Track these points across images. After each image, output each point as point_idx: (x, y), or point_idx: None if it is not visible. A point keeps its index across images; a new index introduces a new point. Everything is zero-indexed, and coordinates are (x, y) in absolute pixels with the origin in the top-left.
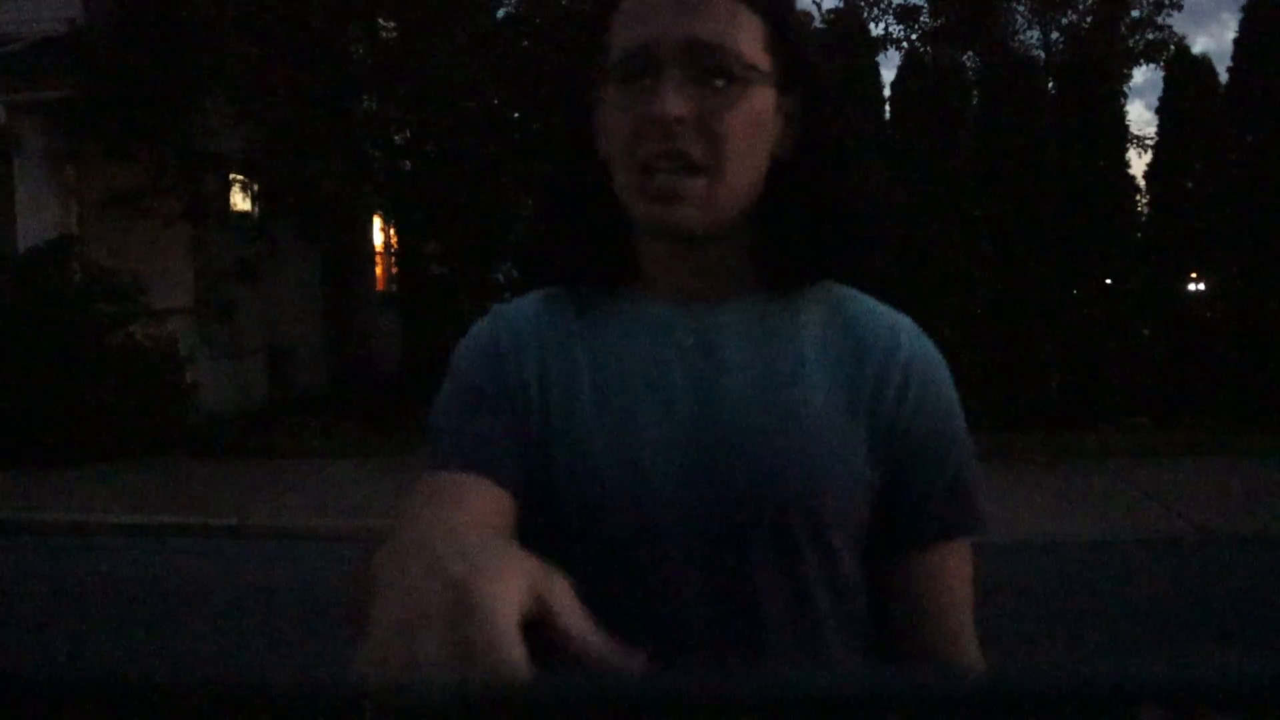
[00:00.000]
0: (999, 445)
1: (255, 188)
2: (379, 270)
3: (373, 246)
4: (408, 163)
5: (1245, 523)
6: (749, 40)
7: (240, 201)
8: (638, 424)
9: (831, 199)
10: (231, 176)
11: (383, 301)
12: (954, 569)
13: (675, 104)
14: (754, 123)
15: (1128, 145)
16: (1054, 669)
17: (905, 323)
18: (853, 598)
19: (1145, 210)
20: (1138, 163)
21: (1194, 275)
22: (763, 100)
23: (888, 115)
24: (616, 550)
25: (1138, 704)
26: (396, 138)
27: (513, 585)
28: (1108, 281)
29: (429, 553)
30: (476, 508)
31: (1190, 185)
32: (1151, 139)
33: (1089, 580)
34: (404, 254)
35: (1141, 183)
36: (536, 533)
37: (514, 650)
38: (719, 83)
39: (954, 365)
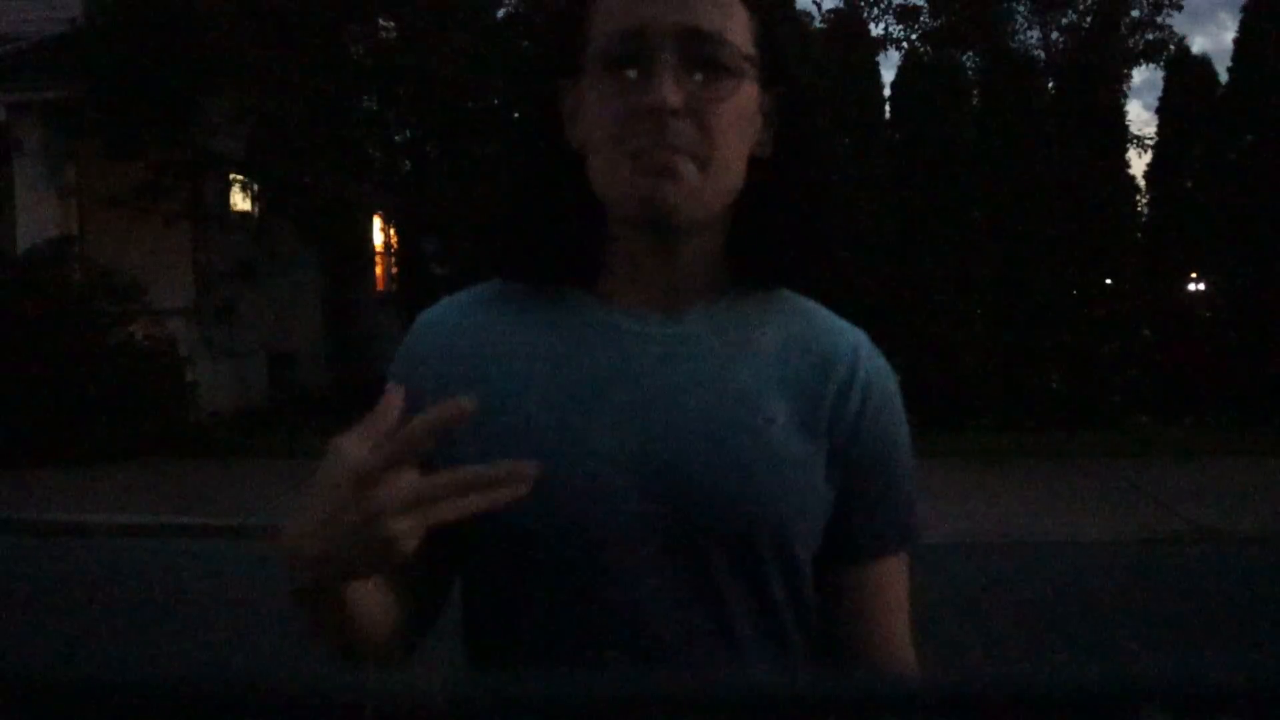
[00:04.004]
0: (999, 445)
1: (255, 188)
2: (379, 270)
3: (373, 246)
4: (408, 163)
5: (1245, 523)
6: (742, 33)
7: (240, 201)
8: (594, 438)
9: (808, 200)
10: (231, 176)
11: (383, 301)
12: (892, 580)
13: (672, 94)
14: (742, 117)
15: (1128, 145)
16: (1055, 670)
17: (864, 340)
18: (809, 608)
19: (1145, 210)
20: (1138, 163)
21: (1194, 275)
22: (750, 95)
23: (888, 115)
24: (569, 566)
25: (1139, 705)
26: (396, 138)
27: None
28: (1108, 281)
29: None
30: None
31: (1190, 185)
32: (1151, 139)
33: (1089, 580)
34: (404, 254)
35: (1141, 183)
36: (480, 538)
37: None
38: (713, 74)
39: (954, 365)
